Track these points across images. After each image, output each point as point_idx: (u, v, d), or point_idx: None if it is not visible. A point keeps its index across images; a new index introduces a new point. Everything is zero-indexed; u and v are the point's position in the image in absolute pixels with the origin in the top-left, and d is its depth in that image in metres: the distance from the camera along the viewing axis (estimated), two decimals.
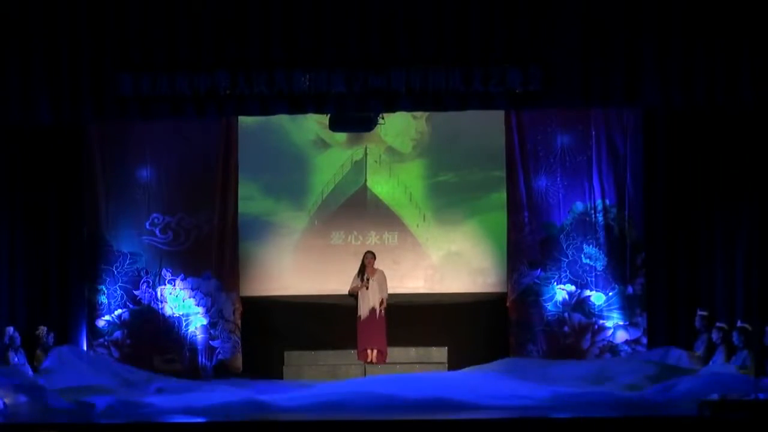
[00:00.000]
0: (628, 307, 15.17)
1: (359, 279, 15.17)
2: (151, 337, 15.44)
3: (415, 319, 15.42)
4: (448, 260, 15.91)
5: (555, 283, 15.35)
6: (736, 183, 14.45)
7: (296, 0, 13.05)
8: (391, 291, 15.17)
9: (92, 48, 13.12)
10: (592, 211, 15.35)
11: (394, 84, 13.08)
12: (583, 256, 15.33)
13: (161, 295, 15.51)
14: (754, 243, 14.33)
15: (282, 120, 15.62)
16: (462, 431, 11.09)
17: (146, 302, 15.49)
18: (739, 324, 13.10)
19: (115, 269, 15.49)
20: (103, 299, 15.44)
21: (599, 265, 15.29)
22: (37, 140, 14.91)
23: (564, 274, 15.32)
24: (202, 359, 15.46)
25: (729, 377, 12.36)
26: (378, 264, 15.24)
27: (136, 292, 15.50)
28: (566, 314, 15.30)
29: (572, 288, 15.33)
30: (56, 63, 13.13)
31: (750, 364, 12.61)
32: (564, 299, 15.33)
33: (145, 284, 15.48)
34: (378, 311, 15.06)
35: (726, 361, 13.11)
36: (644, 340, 15.02)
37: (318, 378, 14.34)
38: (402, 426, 11.19)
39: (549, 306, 15.35)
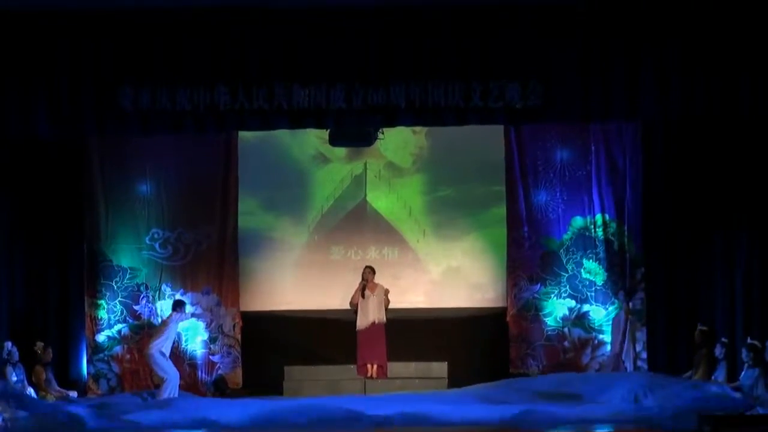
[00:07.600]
0: None
1: (359, 293, 15.09)
2: None
3: (416, 334, 15.36)
4: (448, 275, 15.90)
5: (555, 298, 15.34)
6: (735, 196, 14.43)
7: (296, 15, 13.09)
8: (391, 306, 15.07)
9: (92, 62, 13.13)
10: (592, 226, 15.36)
11: (394, 99, 13.09)
12: (582, 270, 15.32)
13: (161, 310, 15.47)
14: (753, 257, 14.30)
15: (282, 135, 15.60)
16: None
17: (146, 317, 15.46)
18: (749, 341, 12.98)
19: (115, 284, 15.47)
20: (103, 314, 15.42)
21: (599, 280, 15.29)
22: (38, 154, 14.89)
23: (564, 289, 15.32)
24: (201, 374, 15.43)
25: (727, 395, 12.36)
26: (378, 279, 15.15)
27: (135, 307, 15.48)
28: (566, 329, 15.29)
29: (572, 303, 15.32)
30: (56, 77, 13.14)
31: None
32: (564, 314, 15.32)
33: (145, 299, 15.46)
34: (378, 326, 14.98)
35: (727, 377, 13.09)
36: (644, 355, 14.99)
37: (318, 393, 14.27)
38: None
39: (549, 321, 15.34)
